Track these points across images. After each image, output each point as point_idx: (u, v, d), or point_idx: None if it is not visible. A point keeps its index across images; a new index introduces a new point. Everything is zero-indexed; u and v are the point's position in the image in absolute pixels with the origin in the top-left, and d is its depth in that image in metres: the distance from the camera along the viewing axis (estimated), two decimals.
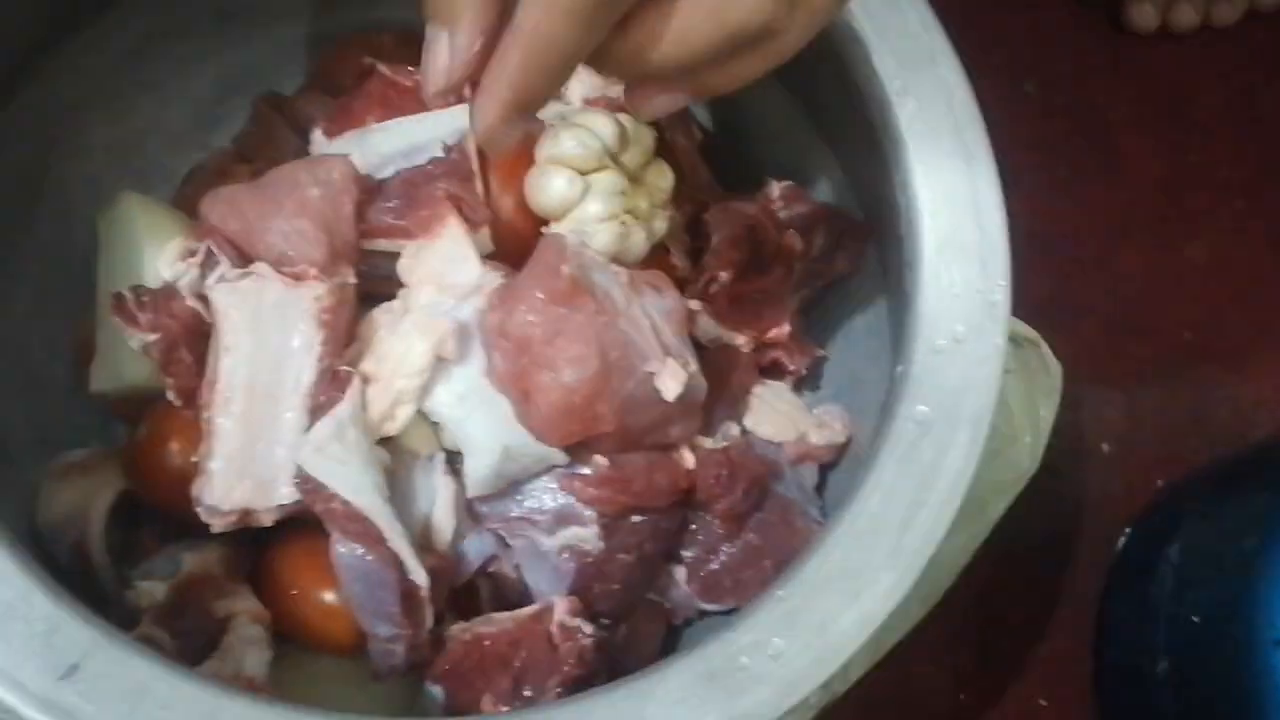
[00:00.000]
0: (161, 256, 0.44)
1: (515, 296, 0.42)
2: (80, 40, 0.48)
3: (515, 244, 0.48)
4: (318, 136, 0.50)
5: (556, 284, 0.41)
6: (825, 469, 0.52)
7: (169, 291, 0.43)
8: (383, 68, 0.50)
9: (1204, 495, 0.58)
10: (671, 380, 0.42)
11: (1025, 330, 0.59)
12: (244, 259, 0.44)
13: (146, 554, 0.45)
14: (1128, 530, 0.60)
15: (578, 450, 0.45)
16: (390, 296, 0.46)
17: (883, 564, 0.37)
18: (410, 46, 0.54)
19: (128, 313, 0.42)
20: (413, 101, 0.49)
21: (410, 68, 0.50)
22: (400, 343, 0.43)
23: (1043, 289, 0.56)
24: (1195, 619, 0.51)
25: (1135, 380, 0.65)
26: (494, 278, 0.43)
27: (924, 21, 0.43)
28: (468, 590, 0.47)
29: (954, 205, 0.41)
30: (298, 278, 0.42)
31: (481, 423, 0.43)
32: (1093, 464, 0.63)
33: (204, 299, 0.43)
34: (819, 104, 0.50)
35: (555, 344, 0.41)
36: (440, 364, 0.43)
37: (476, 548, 0.47)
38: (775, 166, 0.54)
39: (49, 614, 0.32)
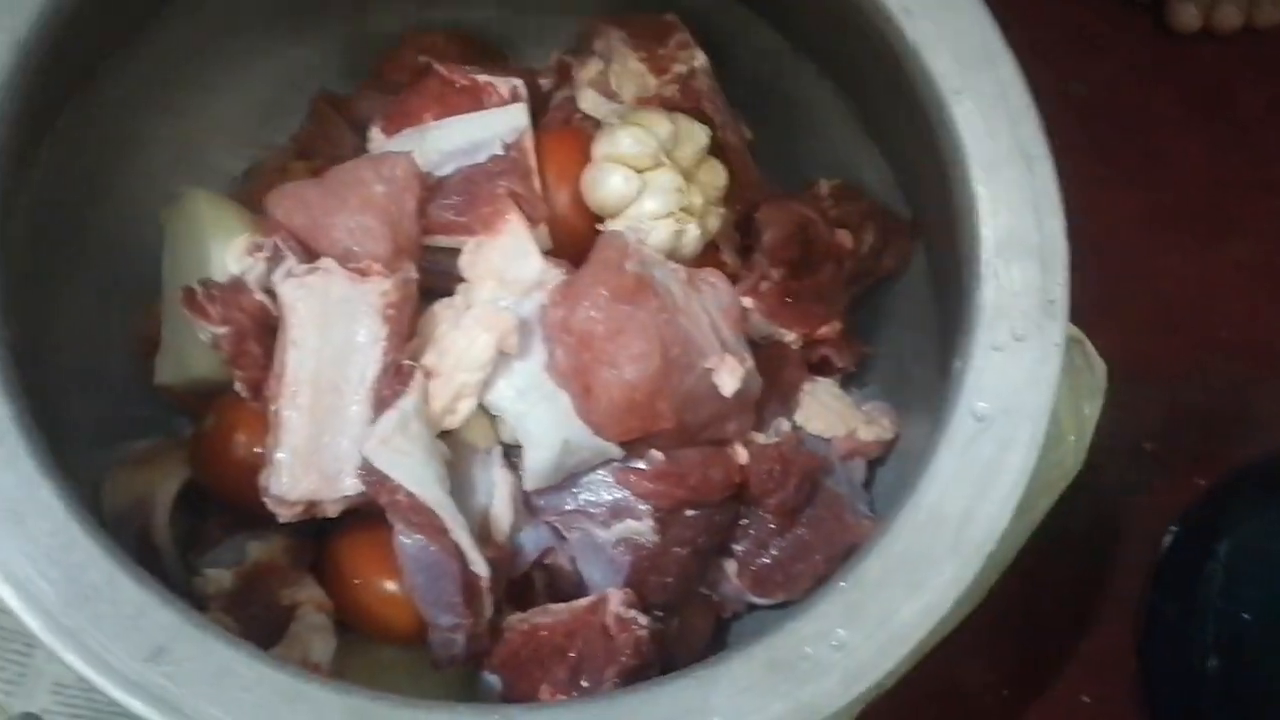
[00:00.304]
0: (229, 251, 0.45)
1: (579, 292, 0.42)
2: (144, 40, 0.48)
3: (571, 240, 0.48)
4: (375, 134, 0.50)
5: (620, 280, 0.41)
6: (872, 465, 0.52)
7: (238, 285, 0.44)
8: (438, 66, 0.51)
9: (1254, 492, 0.58)
10: (729, 376, 0.43)
11: (1070, 329, 0.59)
12: (309, 254, 0.45)
13: (212, 543, 0.46)
14: (1173, 528, 0.60)
15: (634, 445, 0.45)
16: (448, 291, 0.47)
17: (944, 556, 0.38)
18: (463, 45, 0.56)
19: (198, 306, 0.43)
20: (468, 100, 0.50)
21: (465, 66, 0.51)
22: (463, 337, 0.43)
23: (1086, 288, 0.56)
24: (1246, 616, 0.51)
25: (1178, 379, 0.65)
26: (555, 273, 0.44)
27: (980, 22, 0.43)
28: (523, 581, 0.48)
29: (1013, 204, 0.41)
30: (363, 273, 0.43)
31: (541, 417, 0.44)
32: (1135, 462, 0.63)
33: (271, 293, 0.44)
34: (870, 103, 0.51)
35: (618, 340, 0.41)
36: (501, 358, 0.44)
37: (533, 540, 0.47)
38: (824, 165, 0.55)
39: (135, 598, 0.33)
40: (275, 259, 0.44)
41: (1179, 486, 0.63)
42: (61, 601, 0.33)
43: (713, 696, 0.36)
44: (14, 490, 0.34)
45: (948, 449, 0.39)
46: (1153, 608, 0.59)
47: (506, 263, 0.44)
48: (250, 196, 0.50)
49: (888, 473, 0.52)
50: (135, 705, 0.32)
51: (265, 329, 0.44)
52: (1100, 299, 0.64)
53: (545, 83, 0.54)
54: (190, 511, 0.48)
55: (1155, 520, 0.62)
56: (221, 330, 0.43)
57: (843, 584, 0.38)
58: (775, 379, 0.50)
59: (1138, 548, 0.62)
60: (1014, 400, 0.40)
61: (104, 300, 0.51)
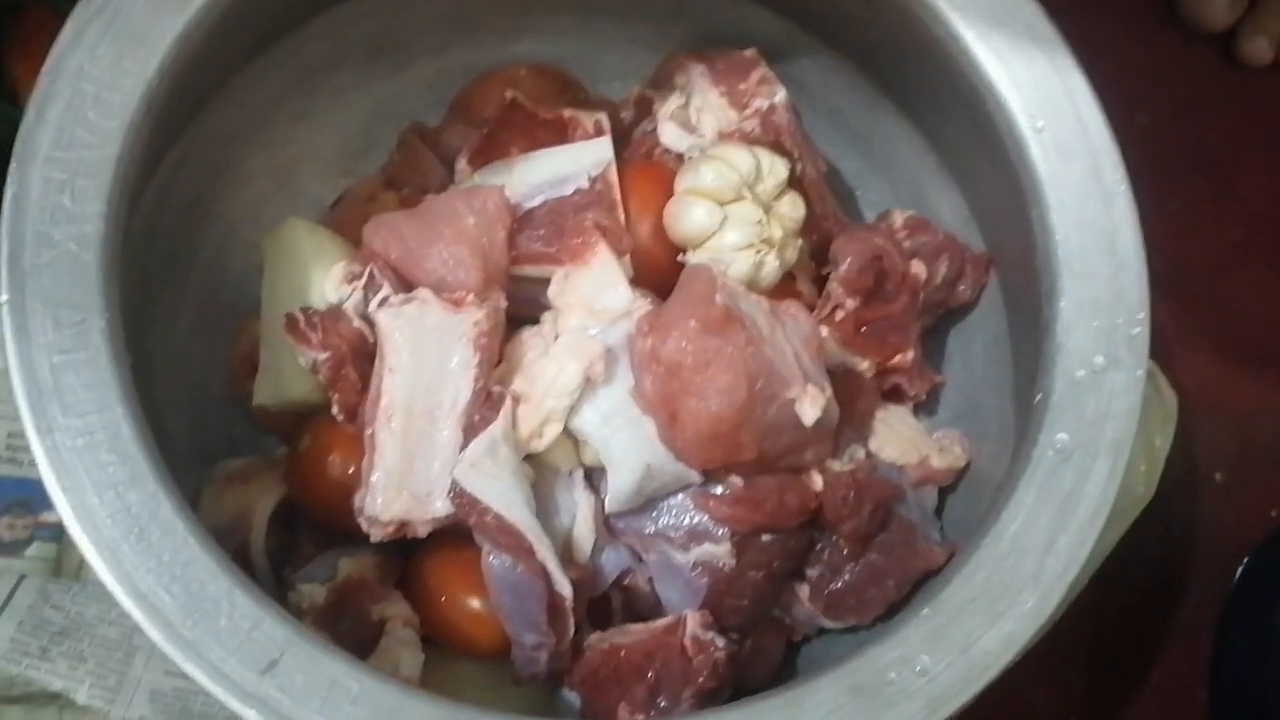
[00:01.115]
0: (328, 280, 0.47)
1: (669, 323, 0.44)
2: (251, 74, 0.51)
3: (652, 269, 0.50)
4: (462, 166, 0.52)
5: (709, 313, 0.43)
6: (944, 492, 0.53)
7: (336, 313, 0.45)
8: (524, 100, 0.52)
9: None
10: (811, 406, 0.44)
11: None
12: (404, 283, 0.46)
13: (304, 559, 0.48)
14: (1245, 560, 0.60)
15: (713, 470, 0.46)
16: (534, 318, 0.49)
17: (1025, 586, 0.38)
18: (548, 79, 0.57)
19: (300, 332, 0.45)
20: (553, 133, 0.52)
21: (550, 101, 0.52)
22: (552, 364, 0.45)
23: (1157, 318, 0.57)
24: None
25: (1248, 409, 0.65)
26: (642, 303, 0.46)
27: (1061, 61, 0.44)
28: (602, 601, 0.49)
29: (1094, 240, 0.42)
30: (457, 303, 0.44)
31: (625, 441, 0.45)
32: (1206, 493, 0.63)
33: (368, 320, 0.46)
34: (947, 139, 0.52)
35: (706, 373, 0.43)
36: (588, 384, 0.45)
37: (612, 561, 0.49)
38: (900, 197, 0.56)
39: (251, 612, 0.35)
40: (372, 287, 0.46)
41: (1251, 518, 0.63)
42: (182, 615, 0.35)
43: (799, 719, 0.37)
44: (139, 508, 0.35)
45: (1029, 480, 0.40)
46: (1223, 639, 0.59)
47: (595, 292, 0.46)
48: (340, 223, 0.52)
49: (958, 499, 0.53)
50: (250, 715, 0.34)
51: (362, 355, 0.45)
52: (1171, 329, 0.65)
53: (627, 115, 0.55)
54: (283, 528, 0.50)
55: (1228, 551, 0.62)
56: (322, 355, 0.44)
57: (926, 610, 0.39)
58: (850, 407, 0.51)
59: (1209, 579, 0.62)
60: (1094, 432, 0.40)
61: (201, 323, 0.53)
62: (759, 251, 0.49)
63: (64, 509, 0.35)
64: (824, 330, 0.51)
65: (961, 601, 0.38)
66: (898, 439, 0.52)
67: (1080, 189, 0.42)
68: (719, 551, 0.47)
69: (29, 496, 0.54)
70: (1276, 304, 0.67)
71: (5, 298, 0.36)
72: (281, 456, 0.51)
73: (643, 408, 0.45)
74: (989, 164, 0.46)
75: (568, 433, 0.46)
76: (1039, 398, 0.41)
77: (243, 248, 0.53)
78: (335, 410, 0.46)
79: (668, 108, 0.53)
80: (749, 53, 0.53)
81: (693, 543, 0.47)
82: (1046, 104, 0.43)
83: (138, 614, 0.35)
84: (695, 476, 0.46)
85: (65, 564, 0.54)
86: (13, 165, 0.39)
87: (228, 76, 0.49)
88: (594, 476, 0.48)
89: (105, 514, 0.35)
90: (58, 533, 0.53)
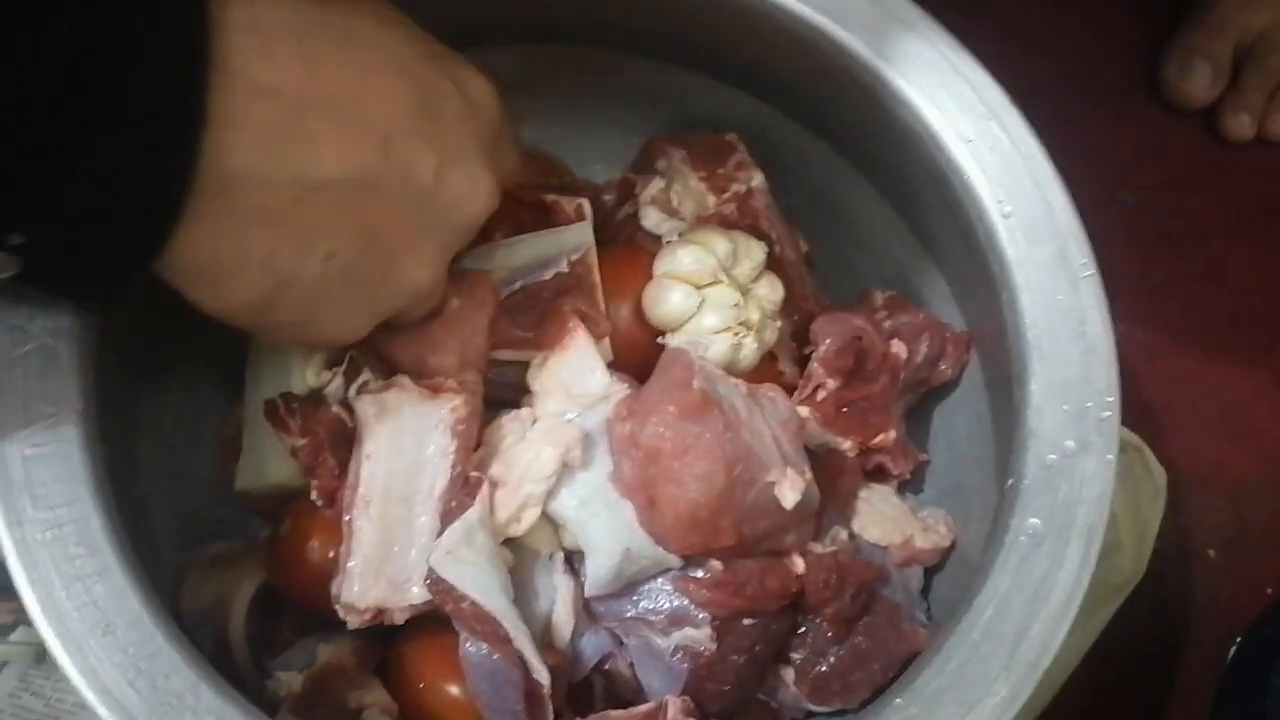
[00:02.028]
0: (309, 366, 0.47)
1: (647, 408, 0.44)
2: None
3: (630, 351, 0.50)
4: None
5: (687, 398, 0.43)
6: (930, 572, 0.53)
7: (317, 399, 0.46)
8: (509, 184, 0.53)
9: None
10: (791, 490, 0.44)
11: (1128, 435, 0.59)
12: (384, 364, 0.47)
13: (284, 645, 0.48)
14: (1239, 639, 0.59)
15: (693, 554, 0.46)
16: (513, 401, 0.49)
17: (998, 676, 0.38)
18: (534, 165, 0.58)
19: (280, 419, 0.45)
20: (536, 216, 0.52)
21: (533, 184, 0.53)
22: (529, 449, 0.45)
23: (1145, 394, 0.57)
24: None
25: (1240, 485, 0.65)
26: (620, 388, 0.46)
27: (1029, 148, 0.45)
28: (583, 686, 0.49)
29: (1062, 322, 0.42)
30: (434, 389, 0.45)
31: (604, 525, 0.45)
32: (1199, 570, 0.63)
33: (348, 406, 0.46)
34: (925, 221, 0.52)
35: (684, 459, 0.43)
36: (565, 469, 0.45)
37: (593, 645, 0.48)
38: (879, 276, 0.56)
39: (215, 706, 0.35)
40: (352, 373, 0.46)
41: (1245, 596, 0.62)
42: (147, 710, 0.35)
43: None
44: (106, 601, 0.36)
45: (1001, 566, 0.40)
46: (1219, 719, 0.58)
47: (573, 377, 0.46)
48: None
49: (945, 579, 0.52)
50: None
51: (341, 440, 0.46)
52: (1160, 406, 0.65)
53: (609, 199, 0.56)
54: (263, 613, 0.50)
55: (1223, 630, 0.62)
56: (301, 442, 0.45)
57: (899, 700, 0.38)
58: (832, 487, 0.51)
59: (1204, 657, 0.61)
60: (1066, 518, 0.40)
61: (187, 405, 0.53)
62: (737, 334, 0.49)
63: (31, 603, 0.35)
64: (805, 411, 0.51)
65: (935, 690, 0.38)
66: (881, 519, 0.52)
67: (1047, 273, 0.43)
68: (700, 635, 0.47)
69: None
70: (1267, 378, 0.67)
71: None
72: (265, 539, 0.51)
73: (621, 492, 0.45)
74: (962, 246, 0.47)
75: (547, 516, 0.46)
76: (1010, 482, 0.41)
77: (231, 333, 0.53)
78: (314, 496, 0.46)
79: (649, 192, 0.54)
80: (728, 137, 0.54)
81: (673, 627, 0.47)
82: (1013, 189, 0.44)
83: (102, 710, 0.35)
84: (675, 560, 0.46)
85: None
86: None
87: None
88: (574, 560, 0.48)
89: (72, 607, 0.35)
90: None
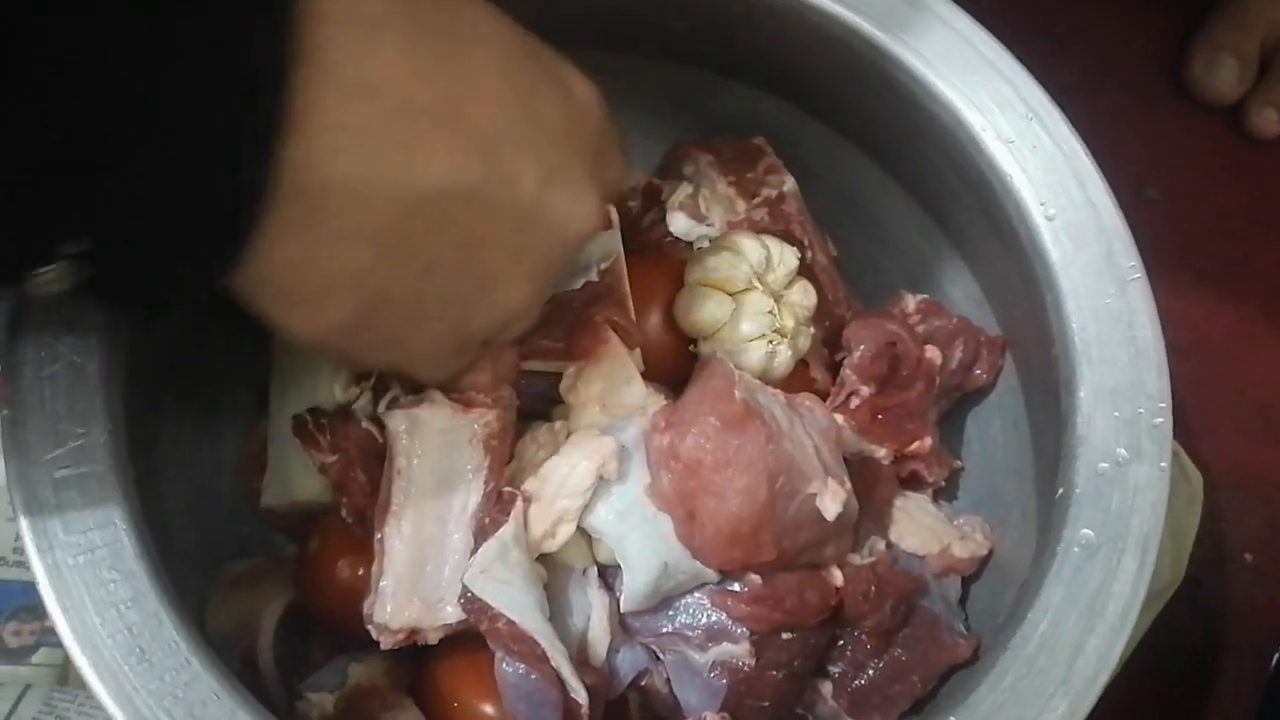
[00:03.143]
0: (336, 380, 0.46)
1: (687, 420, 0.43)
2: None
3: (660, 360, 0.49)
4: None
5: (730, 409, 0.42)
6: (966, 581, 0.52)
7: (346, 415, 0.45)
8: None
9: None
10: (833, 502, 0.43)
11: None
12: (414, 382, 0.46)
13: (314, 666, 0.47)
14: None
15: (731, 568, 0.45)
16: (545, 413, 0.48)
17: (1055, 691, 0.37)
18: None
19: (308, 435, 0.44)
20: None
21: None
22: (564, 463, 0.44)
23: (1176, 395, 0.56)
24: None
25: (1275, 487, 0.64)
26: (656, 398, 0.45)
27: (1071, 146, 0.44)
28: (618, 703, 0.48)
29: (1111, 326, 0.41)
30: (466, 404, 0.44)
31: (640, 540, 0.44)
32: (1236, 574, 0.62)
33: (377, 421, 0.45)
34: (958, 224, 0.51)
35: (726, 472, 0.42)
36: (601, 482, 0.44)
37: (629, 661, 0.47)
38: (910, 279, 0.55)
39: None
40: (380, 388, 0.45)
41: None
42: None
43: None
44: (140, 627, 0.35)
45: (1055, 577, 0.39)
46: None
47: (608, 388, 0.45)
48: None
49: (982, 588, 0.52)
50: None
51: (371, 456, 0.45)
52: (1193, 407, 0.64)
53: (634, 205, 0.55)
54: (292, 633, 0.49)
55: (1261, 633, 0.61)
56: (330, 458, 0.44)
57: (952, 718, 0.37)
58: (868, 496, 0.50)
59: (1244, 661, 0.60)
60: (1120, 527, 0.39)
61: (208, 421, 0.52)
62: (771, 341, 0.48)
63: (63, 629, 0.34)
64: (840, 418, 0.50)
65: (991, 707, 0.37)
66: (918, 528, 0.51)
67: (1094, 275, 0.42)
68: (738, 651, 0.46)
69: (35, 602, 0.53)
70: None
71: (5, 413, 0.36)
72: (291, 557, 0.50)
73: (659, 505, 0.44)
74: (1000, 248, 0.46)
75: (581, 530, 0.45)
76: (1060, 492, 0.40)
77: (251, 348, 0.53)
78: (345, 513, 0.45)
79: (676, 197, 0.53)
80: (757, 141, 0.53)
81: (710, 642, 0.46)
82: (1056, 189, 0.43)
83: None
84: (712, 574, 0.45)
85: (72, 670, 0.53)
86: None
87: None
88: (609, 574, 0.47)
89: (106, 634, 0.34)
90: None
